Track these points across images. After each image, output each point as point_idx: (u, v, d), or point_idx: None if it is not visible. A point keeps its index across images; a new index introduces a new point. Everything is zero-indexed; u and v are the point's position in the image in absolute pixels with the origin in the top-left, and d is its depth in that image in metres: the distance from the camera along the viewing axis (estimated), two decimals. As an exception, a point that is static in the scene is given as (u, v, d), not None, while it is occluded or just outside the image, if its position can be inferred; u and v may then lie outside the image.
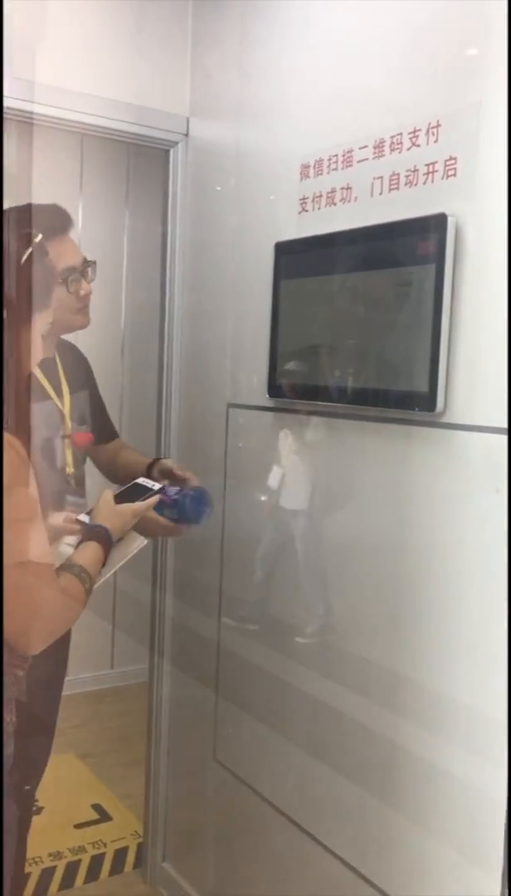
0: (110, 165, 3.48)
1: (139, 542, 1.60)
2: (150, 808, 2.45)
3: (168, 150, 2.25)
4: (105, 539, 1.48)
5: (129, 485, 1.71)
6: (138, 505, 1.61)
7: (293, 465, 1.88)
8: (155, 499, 1.66)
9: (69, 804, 2.85)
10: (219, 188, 2.13)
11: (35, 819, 2.71)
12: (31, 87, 2.07)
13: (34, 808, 2.77)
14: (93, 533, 1.49)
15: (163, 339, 2.29)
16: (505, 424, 1.31)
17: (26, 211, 1.81)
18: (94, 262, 1.86)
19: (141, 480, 1.72)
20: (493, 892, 1.30)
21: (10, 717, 1.36)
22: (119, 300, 3.68)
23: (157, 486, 1.70)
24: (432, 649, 1.46)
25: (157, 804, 2.42)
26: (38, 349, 1.41)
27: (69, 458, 1.91)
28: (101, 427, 2.05)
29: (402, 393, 1.51)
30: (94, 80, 2.15)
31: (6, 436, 1.25)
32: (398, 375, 1.55)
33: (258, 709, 1.98)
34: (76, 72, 2.14)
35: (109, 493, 1.61)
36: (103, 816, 2.80)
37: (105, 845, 2.63)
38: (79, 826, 2.73)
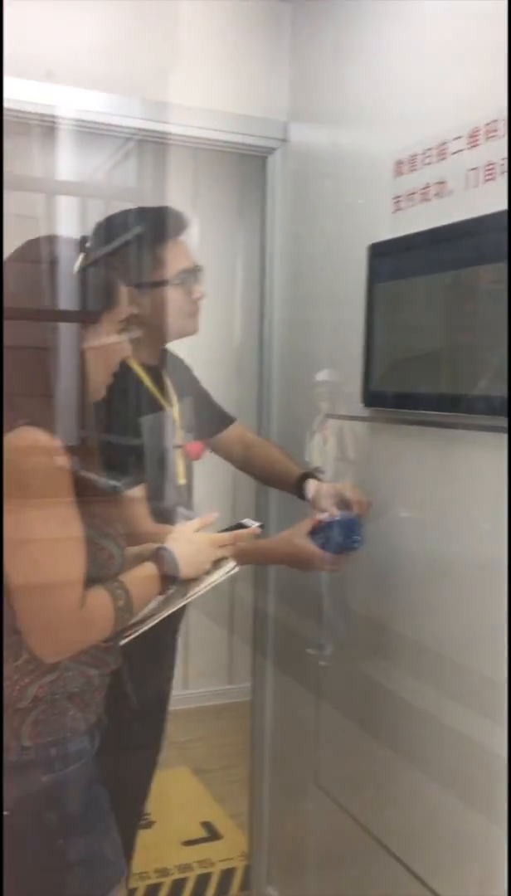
0: (221, 177, 3.48)
1: (227, 568, 1.51)
2: (254, 831, 2.39)
3: (266, 157, 2.21)
4: (166, 563, 1.42)
5: (231, 526, 1.62)
6: (219, 535, 1.53)
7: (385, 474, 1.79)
8: (242, 532, 1.57)
9: (179, 820, 2.83)
10: (317, 193, 2.07)
11: (144, 833, 2.71)
12: (165, 108, 2.09)
13: (143, 822, 2.78)
14: (155, 553, 1.43)
15: (262, 350, 2.25)
16: None
17: (123, 216, 1.84)
18: (202, 267, 1.85)
19: (245, 522, 1.63)
20: None
21: (81, 714, 1.34)
22: (233, 312, 3.67)
23: (256, 523, 1.61)
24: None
25: (262, 826, 2.36)
26: (112, 348, 1.39)
27: (180, 469, 1.90)
28: (217, 417, 2.03)
29: (500, 399, 1.39)
30: (195, 91, 2.15)
31: (35, 435, 1.22)
32: (500, 380, 1.43)
33: (360, 730, 1.88)
34: (177, 84, 2.14)
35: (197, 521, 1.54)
36: (213, 835, 2.77)
37: (212, 865, 2.59)
38: (187, 843, 2.71)
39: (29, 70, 1.91)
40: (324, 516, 1.72)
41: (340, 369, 1.92)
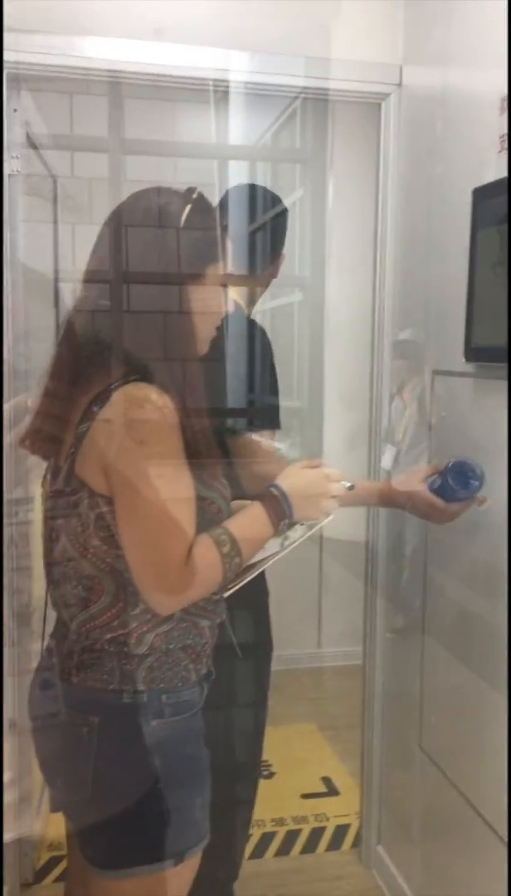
0: (339, 127, 3.39)
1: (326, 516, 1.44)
2: (365, 790, 2.39)
3: (379, 104, 2.13)
4: (275, 502, 1.35)
5: None
6: (334, 470, 1.43)
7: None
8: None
9: (300, 774, 2.88)
10: (428, 137, 1.97)
11: (265, 783, 2.78)
12: (327, 64, 2.08)
13: (266, 773, 2.86)
14: (264, 492, 1.37)
15: (374, 303, 2.19)
16: None
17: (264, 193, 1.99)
18: None
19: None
20: None
21: (192, 665, 1.36)
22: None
23: (348, 483, 1.52)
24: None
25: (372, 787, 2.35)
26: (217, 302, 1.38)
27: None
28: None
29: None
30: (313, 41, 2.10)
31: (145, 391, 1.22)
32: None
33: (465, 693, 1.82)
34: (296, 36, 2.09)
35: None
36: (331, 790, 2.79)
37: (327, 819, 2.62)
38: (305, 796, 2.75)
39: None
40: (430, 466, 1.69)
41: (448, 322, 1.84)
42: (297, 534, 1.44)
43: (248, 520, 1.35)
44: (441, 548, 1.92)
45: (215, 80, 2.06)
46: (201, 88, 2.07)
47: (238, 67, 2.04)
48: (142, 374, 1.25)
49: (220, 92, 2.13)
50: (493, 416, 1.68)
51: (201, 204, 1.34)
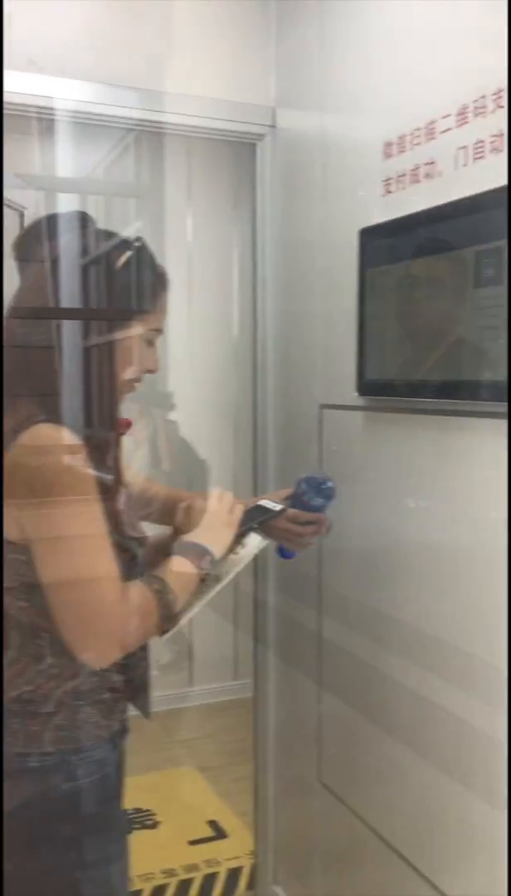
0: (213, 166, 3.44)
1: (258, 544, 1.47)
2: (259, 829, 2.36)
3: (255, 144, 2.17)
4: (202, 558, 1.33)
5: (251, 506, 1.54)
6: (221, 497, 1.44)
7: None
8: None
9: (185, 819, 2.81)
10: (308, 179, 2.03)
11: (150, 833, 2.70)
12: (153, 96, 2.05)
13: (150, 822, 2.76)
14: (187, 549, 1.34)
15: (255, 343, 2.21)
16: None
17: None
18: None
19: (264, 502, 1.56)
20: None
21: (104, 721, 1.29)
22: (230, 305, 3.64)
23: (279, 506, 1.55)
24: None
25: (267, 825, 2.33)
26: (139, 355, 1.34)
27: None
28: None
29: (499, 384, 1.35)
30: (182, 78, 2.10)
31: (53, 432, 1.17)
32: (499, 365, 1.38)
33: (362, 725, 1.84)
34: (165, 72, 2.10)
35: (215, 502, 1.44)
36: (219, 833, 2.74)
37: (219, 864, 2.56)
38: (193, 843, 2.68)
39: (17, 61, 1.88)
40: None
41: (335, 357, 1.88)
42: (234, 565, 1.43)
43: (167, 563, 1.31)
44: (334, 575, 1.95)
45: (41, 107, 1.99)
46: (39, 116, 2.01)
47: (68, 96, 1.99)
48: (49, 413, 1.19)
49: (46, 121, 2.07)
50: (385, 448, 1.73)
51: (143, 253, 1.33)
